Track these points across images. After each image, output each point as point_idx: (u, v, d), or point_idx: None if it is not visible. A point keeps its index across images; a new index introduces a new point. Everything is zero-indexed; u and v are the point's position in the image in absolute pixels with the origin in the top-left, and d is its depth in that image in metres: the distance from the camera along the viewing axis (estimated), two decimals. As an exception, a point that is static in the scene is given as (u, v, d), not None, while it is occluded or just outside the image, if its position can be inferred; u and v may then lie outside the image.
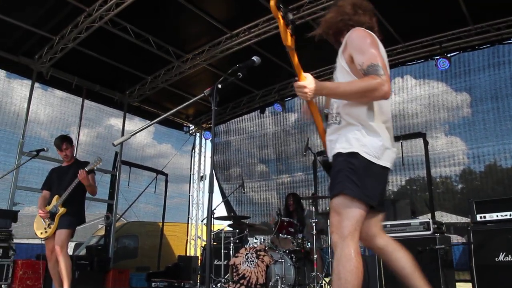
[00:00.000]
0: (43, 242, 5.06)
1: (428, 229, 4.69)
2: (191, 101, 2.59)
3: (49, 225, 4.86)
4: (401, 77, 8.45)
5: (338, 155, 2.26)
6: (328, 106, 2.54)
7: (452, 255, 5.01)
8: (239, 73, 2.57)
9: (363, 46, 2.20)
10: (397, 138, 7.97)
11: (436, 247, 4.48)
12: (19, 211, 6.90)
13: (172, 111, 2.68)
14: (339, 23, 2.45)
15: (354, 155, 2.19)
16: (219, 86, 2.44)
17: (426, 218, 5.46)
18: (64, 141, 5.09)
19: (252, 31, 7.44)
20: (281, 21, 2.16)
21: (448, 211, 7.73)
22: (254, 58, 2.66)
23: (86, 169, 4.75)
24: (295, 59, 2.24)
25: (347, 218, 2.15)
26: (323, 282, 5.47)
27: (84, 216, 5.16)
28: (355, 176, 2.16)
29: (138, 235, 10.16)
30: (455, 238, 7.09)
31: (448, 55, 7.45)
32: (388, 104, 2.36)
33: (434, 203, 7.45)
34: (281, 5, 2.16)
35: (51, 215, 4.85)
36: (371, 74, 2.10)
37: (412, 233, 4.79)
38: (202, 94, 2.46)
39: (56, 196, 4.90)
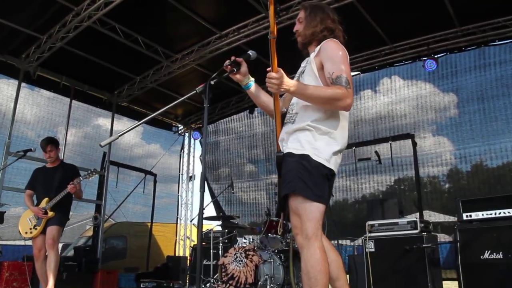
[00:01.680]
0: (26, 243, 5.11)
1: (415, 228, 4.75)
2: (181, 99, 2.58)
3: (35, 226, 4.88)
4: (389, 78, 8.54)
5: (289, 154, 2.35)
6: (287, 105, 2.63)
7: (439, 253, 5.08)
8: (234, 68, 2.57)
9: (335, 57, 2.32)
10: (386, 139, 8.08)
11: (423, 245, 4.54)
12: (5, 212, 6.82)
13: (161, 111, 2.68)
14: (310, 35, 2.57)
15: (305, 157, 2.29)
16: (212, 82, 2.43)
17: (413, 217, 5.53)
18: (49, 143, 5.14)
19: (242, 31, 7.47)
20: (272, 7, 2.22)
21: (435, 210, 7.84)
22: (250, 52, 2.65)
23: (80, 180, 4.89)
24: (274, 48, 2.30)
25: (308, 219, 2.24)
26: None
27: (68, 216, 5.19)
28: (306, 178, 2.25)
29: (127, 236, 10.12)
30: (443, 237, 7.19)
31: (436, 56, 7.55)
32: (346, 113, 2.45)
33: (422, 202, 7.54)
34: None
35: (38, 216, 4.89)
36: (339, 84, 2.23)
37: (399, 232, 4.85)
38: (194, 92, 2.43)
39: (46, 198, 4.94)
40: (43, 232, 4.87)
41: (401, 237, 4.75)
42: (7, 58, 7.67)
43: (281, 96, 2.56)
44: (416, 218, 4.87)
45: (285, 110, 2.62)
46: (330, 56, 2.34)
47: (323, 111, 2.35)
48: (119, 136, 2.41)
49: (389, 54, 8.05)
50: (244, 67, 2.65)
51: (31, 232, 4.87)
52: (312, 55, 2.49)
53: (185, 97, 2.58)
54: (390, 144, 7.91)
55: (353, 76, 8.02)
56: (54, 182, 5.00)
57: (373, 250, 4.91)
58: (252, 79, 2.74)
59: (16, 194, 7.74)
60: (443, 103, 7.93)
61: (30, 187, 5.20)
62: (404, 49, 7.88)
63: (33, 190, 5.17)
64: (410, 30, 7.50)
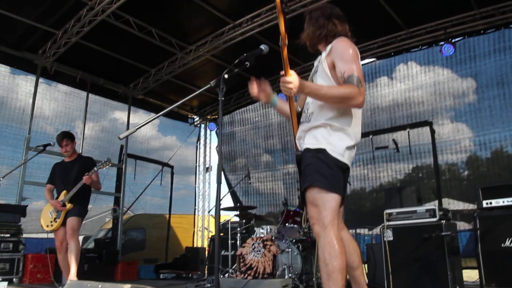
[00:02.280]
0: (48, 235, 5.14)
1: (434, 216, 4.69)
2: (197, 92, 2.60)
3: (55, 218, 5.01)
4: (406, 64, 8.41)
5: (307, 150, 2.46)
6: (301, 105, 2.74)
7: (458, 241, 5.02)
8: (247, 62, 2.57)
9: (346, 56, 2.39)
10: (403, 127, 7.98)
11: (442, 233, 4.49)
12: (27, 205, 6.99)
13: (178, 103, 2.68)
14: (317, 37, 2.65)
15: (321, 151, 2.40)
16: (226, 76, 2.45)
17: (432, 205, 5.47)
18: (64, 137, 5.22)
19: (255, 20, 7.43)
20: (282, 15, 2.24)
21: (454, 198, 7.73)
22: (262, 46, 2.66)
23: (94, 170, 4.96)
24: (286, 54, 2.34)
25: (324, 209, 2.33)
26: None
27: (87, 207, 5.30)
28: (323, 170, 2.36)
29: (146, 228, 10.26)
30: (462, 225, 7.11)
31: (453, 41, 7.39)
32: (359, 110, 2.53)
33: (440, 190, 7.46)
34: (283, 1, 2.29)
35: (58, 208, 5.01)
36: (351, 83, 2.30)
37: (418, 220, 4.79)
38: (209, 85, 2.46)
39: (64, 191, 5.04)
40: (64, 224, 4.97)
41: (419, 225, 4.70)
42: (24, 55, 7.80)
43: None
44: (435, 206, 4.80)
45: (299, 109, 2.74)
46: (341, 55, 2.41)
47: (336, 109, 2.44)
48: (137, 128, 2.44)
49: (405, 40, 7.93)
50: (268, 88, 2.76)
51: (52, 225, 5.01)
52: (324, 54, 2.56)
53: (199, 91, 2.60)
54: (408, 132, 7.82)
55: (368, 63, 7.99)
56: (71, 175, 5.09)
57: (391, 238, 4.87)
58: (275, 94, 2.84)
59: (37, 188, 7.91)
60: (462, 89, 7.77)
61: (50, 181, 5.32)
62: (420, 34, 7.75)
63: (53, 184, 5.29)
64: (426, 14, 7.37)
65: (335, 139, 2.42)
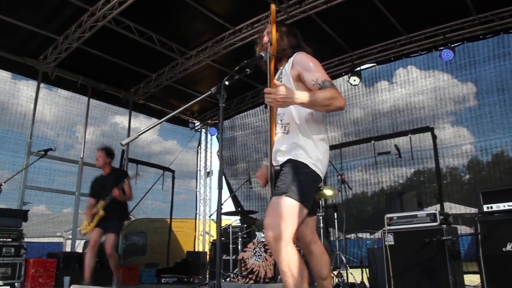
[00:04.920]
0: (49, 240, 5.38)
1: (435, 221, 4.70)
2: (199, 99, 2.60)
3: (89, 223, 5.61)
4: (405, 68, 8.44)
5: (288, 161, 2.44)
6: (273, 116, 2.67)
7: (459, 246, 5.02)
8: (247, 69, 2.57)
9: (311, 66, 2.47)
10: (405, 133, 8.00)
11: (443, 238, 4.49)
12: (29, 210, 6.99)
13: (180, 109, 2.68)
14: (282, 53, 2.68)
15: (301, 164, 2.41)
16: (226, 83, 2.44)
17: (433, 209, 5.48)
18: (98, 150, 5.84)
19: (255, 26, 7.46)
20: (275, 26, 2.24)
21: (455, 202, 7.74)
22: (262, 53, 2.66)
23: (122, 184, 5.48)
24: (273, 66, 2.36)
25: (291, 224, 2.29)
26: (331, 274, 5.51)
27: (128, 213, 6.03)
28: (299, 182, 2.35)
29: (147, 232, 10.25)
30: (464, 229, 7.10)
31: (452, 46, 7.41)
32: (324, 123, 2.63)
33: (442, 194, 7.46)
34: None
35: (93, 216, 5.60)
36: (328, 87, 2.36)
37: (418, 224, 4.79)
38: (210, 92, 2.46)
39: (101, 201, 5.58)
40: (97, 226, 5.54)
41: (420, 229, 4.70)
42: (26, 60, 7.84)
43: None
44: (436, 211, 4.81)
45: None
46: (306, 66, 2.48)
47: (311, 118, 2.50)
48: (139, 135, 2.44)
49: (404, 45, 7.97)
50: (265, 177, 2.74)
51: (85, 229, 5.65)
52: (287, 67, 2.58)
53: (200, 97, 2.60)
54: (410, 137, 7.83)
55: (368, 68, 8.00)
56: (107, 188, 5.54)
57: (392, 243, 4.87)
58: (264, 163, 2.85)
59: (38, 192, 7.94)
60: (462, 94, 7.79)
61: (91, 195, 5.89)
62: (420, 39, 7.78)
63: (93, 197, 5.80)
64: (425, 19, 7.40)
65: (315, 152, 2.45)
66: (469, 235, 6.48)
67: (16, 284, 6.02)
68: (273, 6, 2.11)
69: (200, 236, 11.06)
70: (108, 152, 5.84)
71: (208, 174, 11.55)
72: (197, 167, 11.62)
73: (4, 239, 6.08)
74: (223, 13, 7.34)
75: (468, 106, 7.73)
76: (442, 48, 7.36)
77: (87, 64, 8.39)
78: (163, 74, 8.94)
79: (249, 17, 7.43)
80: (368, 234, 8.05)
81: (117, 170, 5.95)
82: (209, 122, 11.48)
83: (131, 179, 5.56)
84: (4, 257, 6.00)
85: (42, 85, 8.16)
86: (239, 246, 6.35)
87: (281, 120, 2.57)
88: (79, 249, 8.61)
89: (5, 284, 5.80)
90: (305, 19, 6.95)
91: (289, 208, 2.30)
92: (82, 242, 10.06)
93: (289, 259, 2.24)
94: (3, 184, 4.54)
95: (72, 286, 3.58)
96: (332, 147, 8.88)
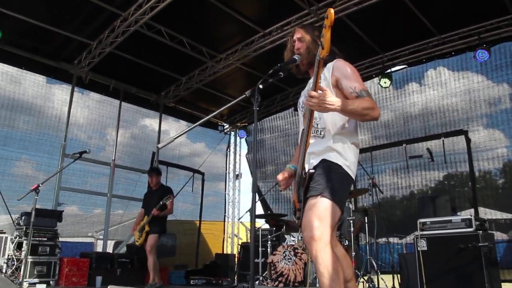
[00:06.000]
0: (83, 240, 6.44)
1: (470, 226, 4.59)
2: (233, 102, 2.61)
3: (139, 237, 6.33)
4: (436, 71, 8.28)
5: (322, 161, 2.47)
6: (312, 119, 2.60)
7: (496, 253, 4.88)
8: (280, 73, 2.57)
9: (350, 74, 2.48)
10: (438, 136, 7.84)
11: (479, 244, 4.38)
12: (63, 210, 7.19)
13: (214, 113, 2.71)
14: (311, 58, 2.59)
15: (337, 165, 2.43)
16: (260, 86, 2.45)
17: (467, 214, 5.34)
18: (152, 172, 6.67)
19: (285, 29, 7.46)
20: (329, 31, 2.15)
21: (489, 207, 7.52)
22: (296, 57, 2.66)
23: (160, 204, 6.10)
24: (320, 70, 2.27)
25: (329, 225, 2.32)
26: (362, 279, 5.45)
27: (165, 227, 6.55)
28: (336, 183, 2.38)
29: (176, 234, 10.35)
30: (499, 235, 6.90)
31: (488, 46, 7.19)
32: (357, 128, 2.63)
33: (476, 199, 7.27)
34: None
35: (141, 229, 6.31)
36: (365, 97, 2.38)
37: (453, 230, 4.69)
38: (244, 95, 2.49)
39: (146, 216, 6.31)
40: (145, 240, 6.24)
41: (455, 235, 4.59)
42: (61, 65, 8.09)
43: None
44: (471, 216, 4.69)
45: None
46: (345, 73, 2.48)
47: (346, 124, 2.52)
48: (175, 138, 2.49)
49: (437, 46, 7.81)
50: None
51: (137, 241, 6.38)
52: (327, 73, 2.55)
53: (234, 101, 2.63)
54: (443, 140, 7.67)
55: (399, 70, 7.87)
56: (153, 202, 6.23)
57: (425, 248, 4.78)
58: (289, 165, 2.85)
59: (72, 194, 8.15)
60: (497, 96, 7.57)
61: (143, 206, 6.69)
62: (453, 40, 7.62)
63: (143, 208, 6.59)
64: (459, 19, 7.24)
65: (349, 155, 2.48)
66: (506, 242, 6.28)
67: (51, 282, 6.20)
68: (331, 10, 2.08)
69: (228, 238, 11.12)
70: (158, 172, 6.69)
71: (237, 176, 11.60)
72: (226, 170, 11.68)
73: (40, 239, 6.29)
74: (253, 16, 7.39)
75: (504, 108, 7.51)
76: (477, 48, 7.16)
77: (119, 68, 8.59)
78: (193, 77, 9.04)
79: (279, 19, 7.45)
80: (397, 238, 7.92)
81: (163, 187, 6.65)
82: (238, 124, 11.53)
83: (170, 199, 6.15)
84: (40, 256, 6.21)
85: (75, 88, 8.37)
86: (269, 249, 6.35)
87: (317, 124, 2.57)
88: (109, 249, 8.78)
89: (41, 282, 5.97)
90: (335, 21, 6.77)
91: (326, 209, 2.33)
92: (113, 242, 10.27)
93: (327, 260, 2.25)
94: (40, 185, 4.67)
95: (109, 286, 3.68)
96: (362, 150, 8.78)
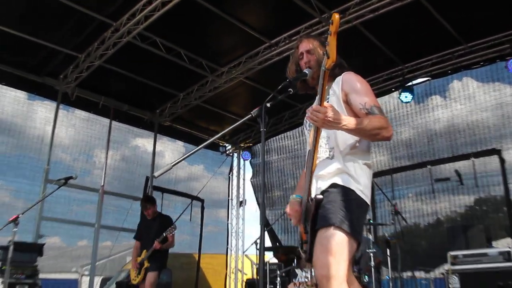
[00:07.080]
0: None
1: (509, 260, 4.49)
2: (238, 123, 2.58)
3: (137, 274, 6.11)
4: (462, 82, 8.26)
5: (333, 185, 2.40)
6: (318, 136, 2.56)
7: (540, 290, 4.76)
8: (290, 89, 2.54)
9: (360, 88, 2.47)
10: (467, 156, 7.76)
11: (520, 281, 4.28)
12: (45, 243, 7.08)
13: (218, 135, 2.69)
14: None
15: (349, 190, 2.36)
16: (268, 105, 2.41)
17: (504, 245, 5.24)
18: (147, 203, 6.44)
19: (293, 39, 7.46)
20: (335, 38, 2.12)
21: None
22: (306, 70, 2.62)
23: (163, 235, 5.96)
24: (326, 81, 2.23)
25: (344, 260, 2.23)
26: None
27: (166, 263, 6.41)
28: (349, 212, 2.30)
29: (172, 269, 10.21)
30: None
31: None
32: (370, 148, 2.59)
33: None
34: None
35: (140, 265, 6.11)
36: (377, 114, 2.36)
37: (490, 264, 4.59)
38: (250, 115, 2.45)
39: (144, 251, 6.13)
40: (144, 279, 6.03)
41: (492, 270, 4.50)
42: (45, 80, 8.07)
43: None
44: (509, 248, 4.60)
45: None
46: (354, 87, 2.47)
47: (358, 143, 2.46)
48: (174, 165, 2.42)
49: (463, 56, 7.81)
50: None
51: (135, 280, 6.13)
52: (336, 87, 2.54)
53: (240, 121, 2.59)
54: (473, 161, 7.59)
55: (421, 82, 7.86)
56: (151, 234, 6.13)
57: (458, 286, 4.67)
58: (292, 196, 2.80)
59: (54, 223, 8.04)
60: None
61: (137, 237, 6.48)
62: (481, 49, 7.62)
63: (139, 240, 6.39)
64: (488, 26, 7.24)
65: (362, 178, 2.42)
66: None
67: (30, 325, 6.07)
68: (336, 15, 2.04)
69: (231, 274, 10.95)
70: (153, 202, 6.52)
71: (241, 203, 11.48)
72: (228, 196, 11.58)
73: (18, 276, 6.17)
74: (258, 25, 7.41)
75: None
76: (509, 58, 7.14)
77: (109, 83, 8.60)
78: (192, 93, 9.04)
79: (287, 29, 7.47)
80: (423, 272, 7.78)
81: (162, 216, 6.54)
82: (242, 145, 11.49)
83: (172, 231, 6.05)
84: (17, 295, 6.08)
85: (60, 106, 8.32)
86: (278, 287, 6.23)
87: (325, 144, 2.53)
88: (96, 287, 8.63)
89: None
90: (349, 30, 6.92)
91: (340, 243, 2.25)
92: (100, 279, 10.13)
93: None
94: (20, 215, 4.60)
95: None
96: (382, 173, 8.70)
